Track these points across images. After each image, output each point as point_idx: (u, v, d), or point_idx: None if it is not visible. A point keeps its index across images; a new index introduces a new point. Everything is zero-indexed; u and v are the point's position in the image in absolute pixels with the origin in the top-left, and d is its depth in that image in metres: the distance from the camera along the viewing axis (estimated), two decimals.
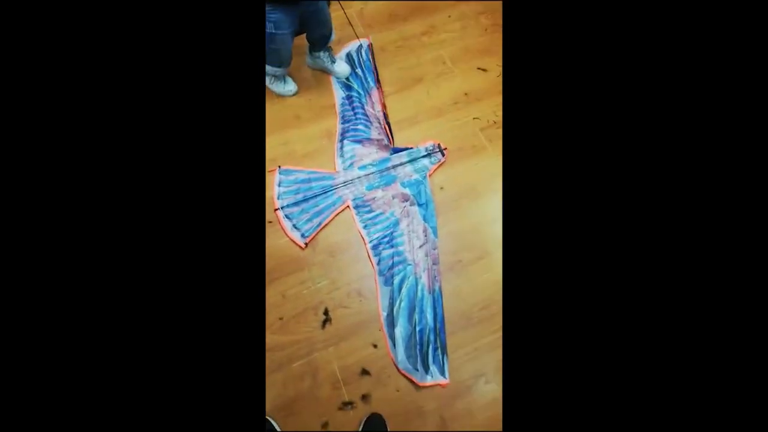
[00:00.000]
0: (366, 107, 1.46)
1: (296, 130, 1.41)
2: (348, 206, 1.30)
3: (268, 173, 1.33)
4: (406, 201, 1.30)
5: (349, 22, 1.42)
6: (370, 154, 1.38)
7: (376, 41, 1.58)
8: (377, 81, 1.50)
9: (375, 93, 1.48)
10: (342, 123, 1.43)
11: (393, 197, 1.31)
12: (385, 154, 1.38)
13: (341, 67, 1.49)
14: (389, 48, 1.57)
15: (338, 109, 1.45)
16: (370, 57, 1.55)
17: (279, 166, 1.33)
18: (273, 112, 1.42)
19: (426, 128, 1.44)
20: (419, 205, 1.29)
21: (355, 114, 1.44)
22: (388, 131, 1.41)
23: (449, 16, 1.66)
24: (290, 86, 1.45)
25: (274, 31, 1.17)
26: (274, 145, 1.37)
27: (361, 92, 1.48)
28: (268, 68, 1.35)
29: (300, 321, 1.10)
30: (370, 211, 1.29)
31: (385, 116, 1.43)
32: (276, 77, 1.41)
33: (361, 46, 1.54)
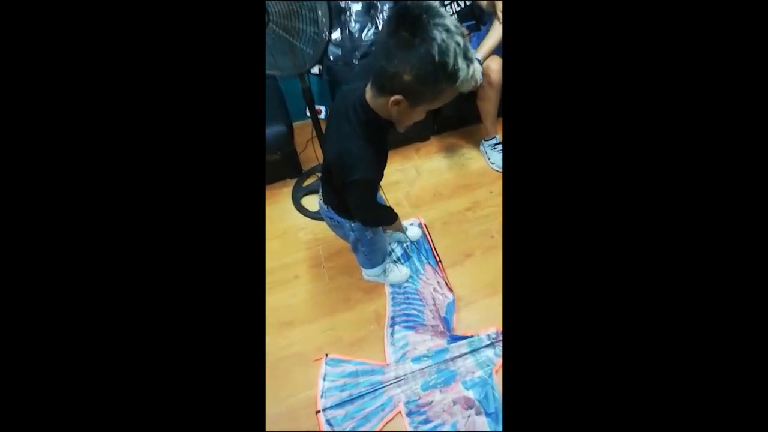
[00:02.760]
0: (419, 287, 1.40)
1: (344, 313, 1.35)
2: (399, 412, 1.09)
3: (314, 362, 1.21)
4: (471, 408, 1.08)
5: (389, 206, 1.50)
6: (425, 341, 1.24)
7: (425, 220, 1.65)
8: (435, 257, 1.47)
9: (430, 270, 1.44)
10: (393, 305, 1.35)
11: (454, 402, 1.10)
12: (441, 343, 1.23)
13: (413, 232, 1.51)
14: (435, 225, 1.61)
15: (388, 289, 1.41)
16: (425, 233, 1.57)
17: (326, 355, 1.22)
18: (321, 294, 1.40)
19: (483, 309, 1.32)
20: (487, 414, 1.06)
21: (406, 297, 1.38)
22: (443, 325, 1.29)
23: (491, 192, 1.74)
24: (404, 269, 1.40)
25: (373, 234, 1.14)
26: (320, 330, 1.30)
27: (413, 273, 1.45)
28: (374, 271, 1.31)
29: None
30: (426, 421, 1.07)
31: (445, 295, 1.35)
32: (384, 271, 1.35)
33: (412, 224, 1.60)
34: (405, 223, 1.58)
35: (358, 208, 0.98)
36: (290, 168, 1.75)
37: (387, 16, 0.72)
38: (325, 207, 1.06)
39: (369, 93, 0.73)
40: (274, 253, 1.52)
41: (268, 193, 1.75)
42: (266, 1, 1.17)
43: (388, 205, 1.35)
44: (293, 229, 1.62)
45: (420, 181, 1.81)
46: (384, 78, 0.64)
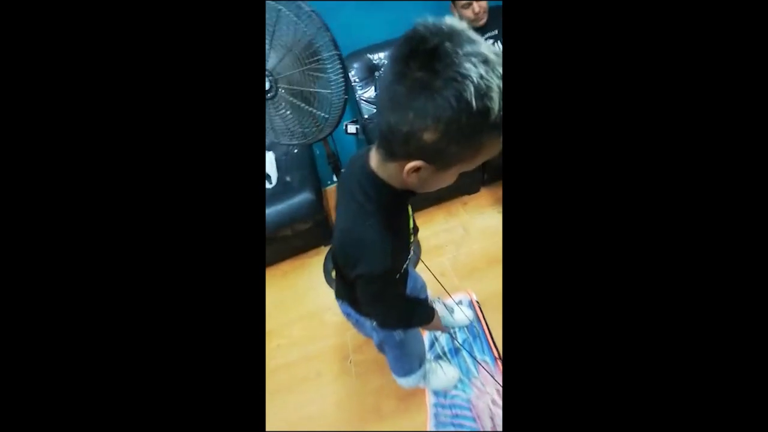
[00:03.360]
0: (472, 397, 1.05)
1: (374, 425, 1.06)
2: None
3: None
4: None
5: (436, 279, 1.20)
6: None
7: (478, 294, 1.31)
8: (493, 351, 1.13)
9: (486, 372, 1.09)
10: (435, 424, 1.03)
11: None
12: None
13: (460, 315, 1.19)
14: (492, 302, 1.26)
15: (429, 399, 1.08)
16: (478, 315, 1.24)
17: None
18: (347, 399, 1.13)
19: None
20: None
21: (454, 414, 1.04)
22: None
23: None
24: (451, 371, 1.08)
25: (403, 335, 0.88)
26: None
27: (464, 374, 1.11)
28: (408, 381, 0.98)
29: None
30: None
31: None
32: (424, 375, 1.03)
33: (461, 302, 1.28)
34: (451, 300, 1.26)
35: (372, 309, 0.72)
36: (321, 236, 1.58)
37: (392, 52, 0.47)
38: (340, 300, 0.82)
39: (375, 158, 0.55)
40: (296, 341, 1.31)
41: (296, 263, 1.58)
42: (270, 69, 1.05)
43: (423, 297, 1.05)
44: (320, 311, 1.41)
45: (469, 242, 1.48)
46: (394, 139, 0.46)
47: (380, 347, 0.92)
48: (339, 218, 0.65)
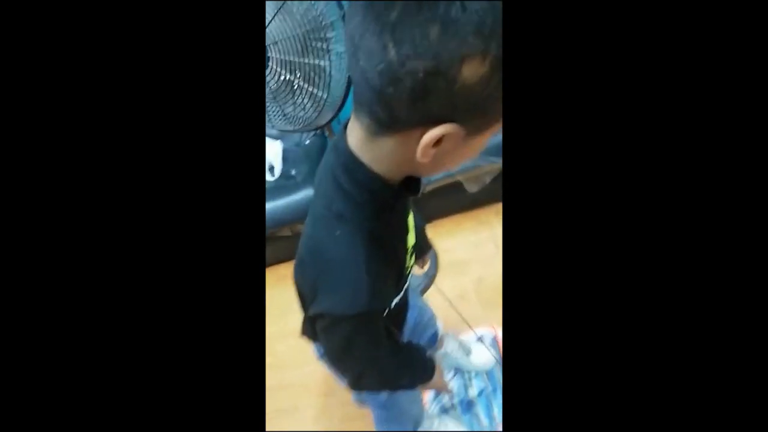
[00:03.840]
0: None
1: None
2: None
3: None
4: None
5: (451, 305, 0.95)
6: None
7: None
8: None
9: None
10: None
11: None
12: None
13: (480, 357, 0.94)
14: None
15: None
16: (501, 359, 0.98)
17: None
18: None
19: None
20: None
21: None
22: None
23: None
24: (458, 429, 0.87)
25: (388, 395, 0.67)
26: None
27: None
28: None
29: None
30: None
31: None
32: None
33: (481, 339, 1.01)
34: (472, 336, 1.00)
35: (339, 365, 0.50)
36: None
37: None
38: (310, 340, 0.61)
39: (355, 133, 0.36)
40: (278, 361, 1.12)
41: (283, 272, 1.40)
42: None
43: (430, 335, 0.81)
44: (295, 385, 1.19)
45: (500, 262, 1.20)
46: (397, 93, 0.28)
47: (360, 402, 0.69)
48: (306, 223, 0.44)
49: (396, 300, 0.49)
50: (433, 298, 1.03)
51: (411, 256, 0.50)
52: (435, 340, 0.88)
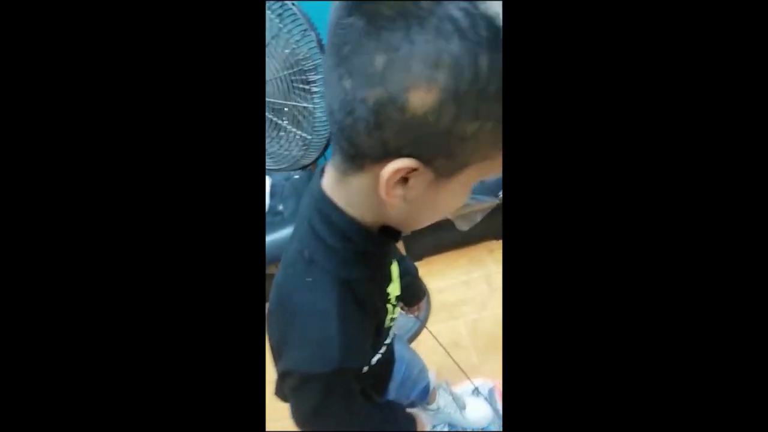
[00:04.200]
0: None
1: None
2: None
3: None
4: None
5: (446, 352, 0.88)
6: None
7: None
8: None
9: None
10: None
11: None
12: None
13: (476, 411, 0.85)
14: None
15: None
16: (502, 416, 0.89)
17: None
18: None
19: None
20: None
21: None
22: None
23: None
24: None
25: None
26: None
27: None
28: None
29: None
30: None
31: None
32: None
33: (478, 391, 0.92)
34: (467, 387, 0.92)
35: (305, 423, 0.42)
36: None
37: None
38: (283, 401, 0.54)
39: (330, 174, 0.35)
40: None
41: None
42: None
43: (421, 388, 0.73)
44: None
45: (495, 303, 1.14)
46: (356, 123, 0.27)
47: None
48: (278, 269, 0.40)
49: (378, 357, 0.45)
50: (423, 345, 0.96)
51: (394, 308, 0.46)
52: (426, 394, 0.81)
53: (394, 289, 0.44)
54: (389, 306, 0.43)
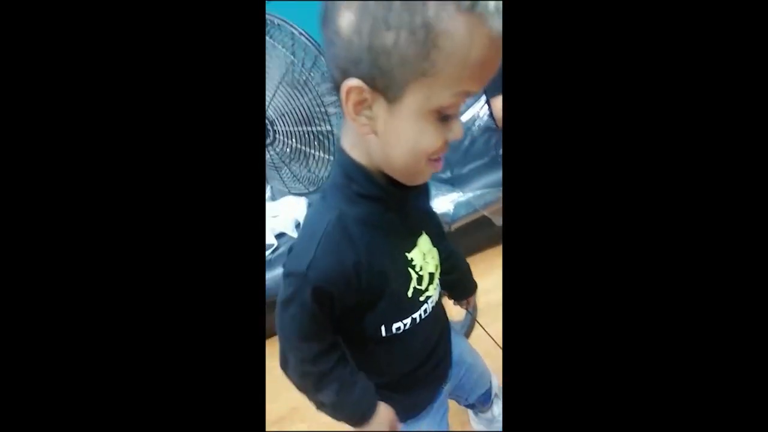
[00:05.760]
0: None
1: None
2: None
3: None
4: None
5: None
6: None
7: None
8: None
9: None
10: None
11: None
12: None
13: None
14: None
15: None
16: None
17: None
18: None
19: None
20: None
21: None
22: None
23: None
24: None
25: None
26: None
27: None
28: None
29: None
30: None
31: None
32: None
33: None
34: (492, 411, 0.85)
35: (282, 340, 0.42)
36: None
37: None
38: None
39: (344, 130, 0.40)
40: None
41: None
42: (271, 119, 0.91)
43: (481, 393, 0.68)
44: (307, 408, 1.07)
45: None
46: (328, 63, 0.34)
47: None
48: None
49: (399, 324, 0.43)
50: (482, 345, 0.93)
51: (422, 280, 0.44)
52: (487, 399, 0.77)
53: (422, 260, 0.43)
54: (412, 273, 0.42)
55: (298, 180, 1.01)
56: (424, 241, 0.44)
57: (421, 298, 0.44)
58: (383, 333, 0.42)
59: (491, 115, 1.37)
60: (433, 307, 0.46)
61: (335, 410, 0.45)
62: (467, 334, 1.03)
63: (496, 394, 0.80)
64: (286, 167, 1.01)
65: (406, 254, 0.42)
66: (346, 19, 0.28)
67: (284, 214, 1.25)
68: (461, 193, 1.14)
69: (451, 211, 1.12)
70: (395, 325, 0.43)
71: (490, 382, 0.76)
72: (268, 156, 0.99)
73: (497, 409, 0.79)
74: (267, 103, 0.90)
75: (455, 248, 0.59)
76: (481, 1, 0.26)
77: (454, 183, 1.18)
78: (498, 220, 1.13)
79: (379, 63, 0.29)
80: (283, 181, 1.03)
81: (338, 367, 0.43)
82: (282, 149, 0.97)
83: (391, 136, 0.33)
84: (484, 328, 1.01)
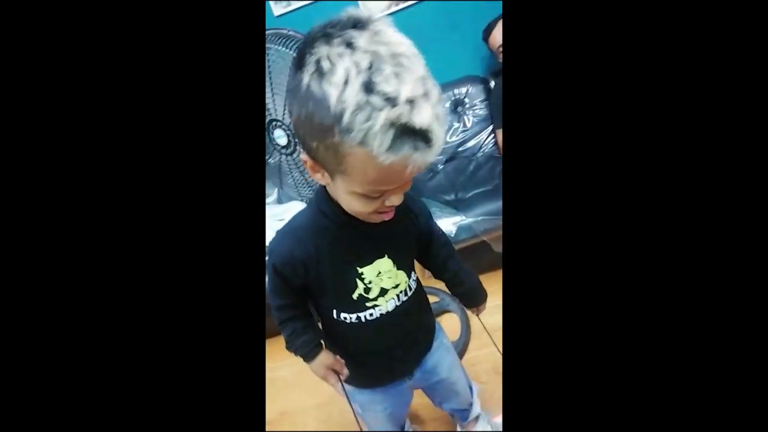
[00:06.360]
0: None
1: None
2: None
3: None
4: None
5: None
6: None
7: None
8: None
9: None
10: None
11: None
12: None
13: None
14: None
15: None
16: None
17: None
18: None
19: None
20: None
21: None
22: None
23: None
24: None
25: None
26: None
27: None
28: None
29: None
30: None
31: None
32: None
33: None
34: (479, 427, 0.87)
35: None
36: None
37: None
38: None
39: None
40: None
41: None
42: (281, 118, 0.94)
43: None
44: (297, 412, 1.09)
45: None
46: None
47: None
48: None
49: (347, 316, 0.53)
50: (475, 368, 0.94)
51: (371, 292, 0.52)
52: (464, 417, 0.81)
53: (373, 276, 0.52)
54: (360, 283, 0.51)
55: (308, 185, 1.04)
56: (384, 263, 0.52)
57: (368, 304, 0.53)
58: (334, 315, 0.54)
59: (496, 144, 1.42)
60: (383, 315, 0.54)
61: (288, 346, 0.58)
62: (460, 354, 1.04)
63: (479, 415, 0.81)
64: (296, 172, 1.04)
65: (358, 268, 0.51)
66: (292, 116, 0.36)
67: (288, 218, 1.29)
68: (464, 217, 1.17)
69: (453, 232, 1.15)
70: (342, 315, 0.53)
71: (470, 405, 0.80)
72: (282, 161, 1.01)
73: (480, 427, 0.80)
74: (283, 112, 0.93)
75: (464, 266, 0.68)
76: (369, 140, 0.31)
77: (458, 206, 1.21)
78: (497, 247, 1.16)
79: (312, 154, 0.37)
80: (297, 188, 1.05)
81: (293, 320, 0.55)
82: (297, 157, 1.00)
83: (338, 195, 0.43)
84: (487, 330, 1.03)
